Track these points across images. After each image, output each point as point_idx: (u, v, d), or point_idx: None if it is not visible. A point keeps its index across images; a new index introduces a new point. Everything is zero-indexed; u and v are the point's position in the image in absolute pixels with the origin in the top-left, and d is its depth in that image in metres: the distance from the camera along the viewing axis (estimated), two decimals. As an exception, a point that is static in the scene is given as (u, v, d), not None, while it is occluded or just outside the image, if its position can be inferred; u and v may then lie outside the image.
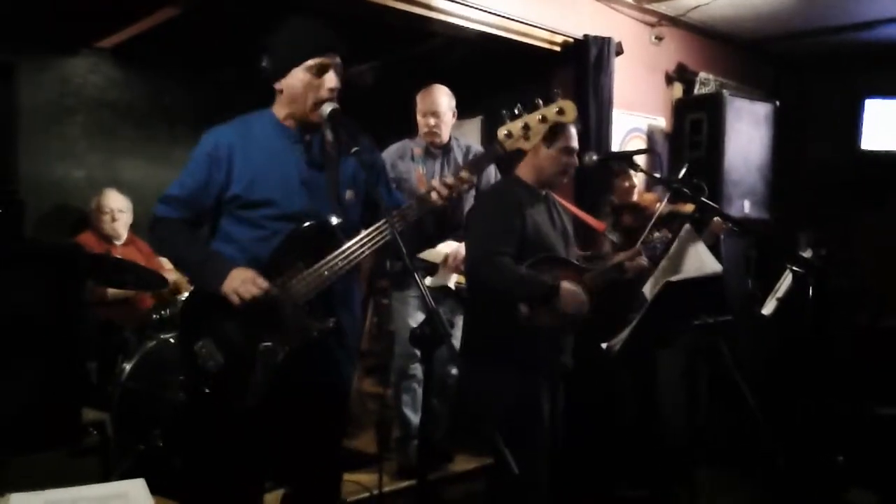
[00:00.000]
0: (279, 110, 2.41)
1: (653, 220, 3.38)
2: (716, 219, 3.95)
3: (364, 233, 2.30)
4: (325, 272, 2.28)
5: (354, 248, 2.29)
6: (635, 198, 4.14)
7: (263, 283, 2.22)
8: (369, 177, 2.44)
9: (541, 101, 2.37)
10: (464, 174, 2.36)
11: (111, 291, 4.23)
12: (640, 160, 3.70)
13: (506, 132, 2.35)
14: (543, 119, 2.35)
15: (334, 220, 2.35)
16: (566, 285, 2.97)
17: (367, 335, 5.34)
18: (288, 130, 2.40)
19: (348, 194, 2.44)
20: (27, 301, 2.83)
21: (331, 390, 2.44)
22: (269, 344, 2.27)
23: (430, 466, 3.73)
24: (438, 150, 4.06)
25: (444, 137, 4.04)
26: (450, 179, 2.35)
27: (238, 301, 2.22)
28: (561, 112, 2.37)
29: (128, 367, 3.81)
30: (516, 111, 2.34)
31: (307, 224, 2.31)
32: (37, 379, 2.82)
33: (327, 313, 2.31)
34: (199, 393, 2.34)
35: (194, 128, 2.35)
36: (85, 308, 3.74)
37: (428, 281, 3.88)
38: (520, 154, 3.20)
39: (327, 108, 2.33)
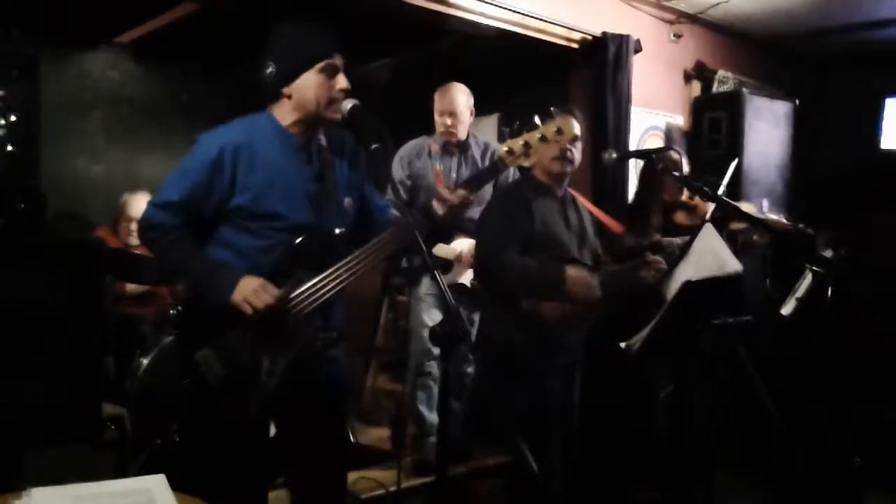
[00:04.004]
0: (285, 116, 2.35)
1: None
2: (756, 237, 3.87)
3: (368, 245, 2.28)
4: (330, 284, 2.26)
5: (359, 259, 2.27)
6: (684, 196, 4.07)
7: (275, 291, 2.20)
8: (358, 177, 2.48)
9: (538, 121, 2.37)
10: (462, 193, 2.36)
11: (129, 287, 4.25)
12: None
13: (507, 149, 2.35)
14: (543, 138, 2.36)
15: (337, 231, 2.34)
16: (571, 270, 2.98)
17: (381, 332, 5.34)
18: (292, 139, 2.35)
19: (347, 202, 2.42)
20: (47, 295, 2.85)
21: (331, 389, 2.44)
22: (271, 355, 2.24)
23: (448, 464, 3.73)
24: (456, 148, 4.06)
25: (462, 136, 4.04)
26: (447, 196, 2.34)
27: (250, 311, 2.18)
28: (559, 132, 2.38)
29: (145, 361, 3.82)
30: (516, 128, 2.35)
31: (311, 236, 2.29)
32: (56, 372, 2.84)
33: (329, 323, 2.31)
34: (202, 402, 2.31)
35: (213, 123, 2.35)
36: (104, 302, 3.76)
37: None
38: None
39: (347, 105, 2.32)
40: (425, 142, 4.10)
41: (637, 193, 4.32)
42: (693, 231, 3.34)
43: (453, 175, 3.99)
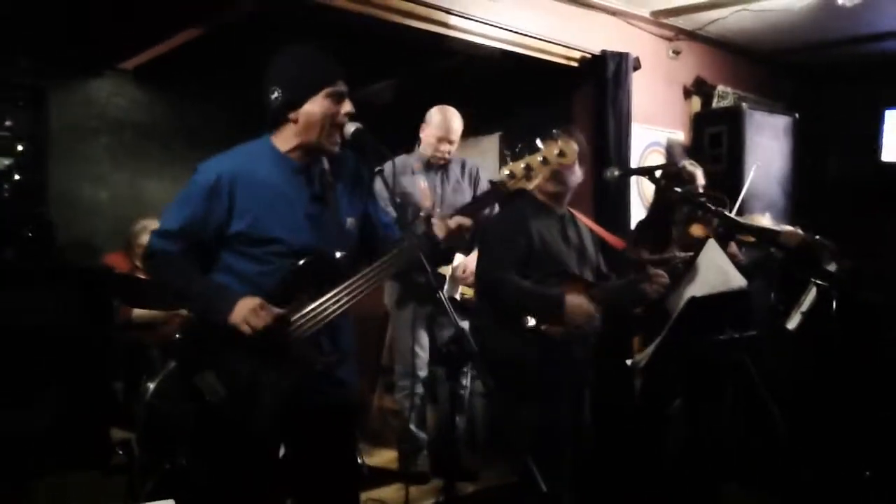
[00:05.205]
0: (285, 141, 2.36)
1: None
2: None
3: (369, 268, 2.29)
4: (331, 307, 2.26)
5: (360, 283, 2.27)
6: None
7: (274, 311, 2.20)
8: (361, 195, 2.50)
9: (540, 143, 2.36)
10: (459, 219, 2.35)
11: (137, 313, 4.25)
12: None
13: (508, 173, 2.34)
14: (545, 161, 2.35)
15: (338, 255, 2.34)
16: (571, 297, 2.99)
17: (387, 350, 5.33)
18: (291, 163, 2.36)
19: (349, 222, 2.43)
20: (56, 321, 2.87)
21: (338, 411, 2.43)
22: (272, 377, 2.24)
23: (452, 481, 3.73)
24: (438, 166, 4.11)
25: (450, 157, 4.12)
26: (452, 224, 2.34)
27: (249, 331, 2.18)
28: (562, 154, 2.37)
29: (152, 385, 3.83)
30: (517, 150, 2.34)
31: (311, 259, 2.29)
32: (65, 397, 2.86)
33: (331, 345, 2.32)
34: (207, 424, 2.31)
35: (217, 147, 2.36)
36: (112, 327, 3.77)
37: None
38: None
39: (350, 128, 2.33)
40: (408, 160, 4.12)
41: (652, 207, 4.30)
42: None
43: (438, 191, 4.05)
